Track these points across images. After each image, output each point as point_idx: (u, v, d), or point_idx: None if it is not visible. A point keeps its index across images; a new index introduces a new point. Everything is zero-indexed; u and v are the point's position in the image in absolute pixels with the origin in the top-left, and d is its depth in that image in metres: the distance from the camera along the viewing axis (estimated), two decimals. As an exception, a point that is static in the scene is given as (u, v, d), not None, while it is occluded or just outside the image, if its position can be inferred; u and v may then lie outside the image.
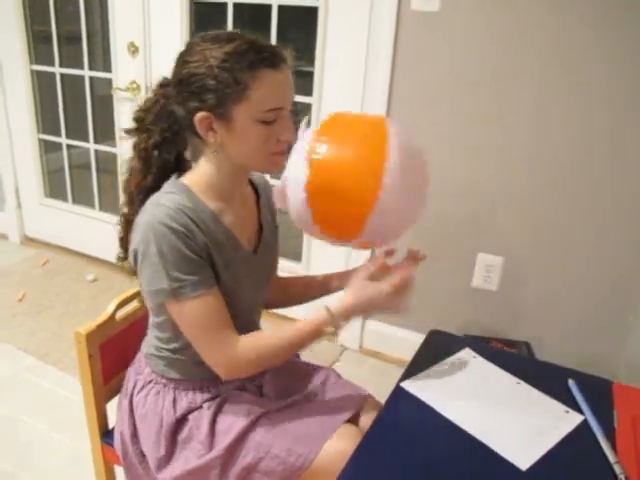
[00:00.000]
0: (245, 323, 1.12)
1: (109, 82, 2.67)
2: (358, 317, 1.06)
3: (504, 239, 2.05)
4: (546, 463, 0.95)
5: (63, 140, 3.01)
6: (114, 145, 2.82)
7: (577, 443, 1.01)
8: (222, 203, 1.08)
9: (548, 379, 1.19)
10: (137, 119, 1.10)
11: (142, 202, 1.05)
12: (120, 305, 1.28)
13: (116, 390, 1.32)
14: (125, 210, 1.12)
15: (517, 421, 1.05)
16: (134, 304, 1.34)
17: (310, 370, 1.29)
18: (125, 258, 1.12)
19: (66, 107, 2.94)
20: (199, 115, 0.98)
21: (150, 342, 1.19)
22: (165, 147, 1.09)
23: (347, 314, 1.04)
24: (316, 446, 1.05)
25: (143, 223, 1.00)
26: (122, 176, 1.13)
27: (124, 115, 2.70)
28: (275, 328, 1.06)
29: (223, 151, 1.03)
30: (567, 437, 1.02)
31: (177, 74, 1.00)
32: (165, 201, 1.00)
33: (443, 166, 2.05)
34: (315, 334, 1.04)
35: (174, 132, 1.09)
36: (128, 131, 1.11)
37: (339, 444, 1.03)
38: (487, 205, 2.03)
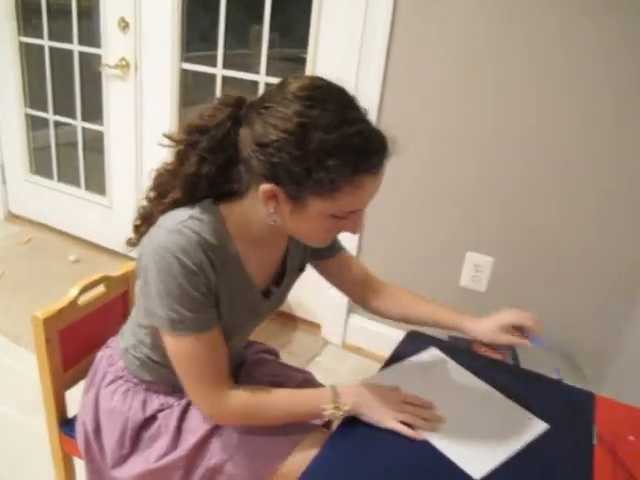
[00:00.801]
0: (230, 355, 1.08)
1: (99, 58, 2.59)
2: (365, 413, 0.98)
3: (495, 238, 1.99)
4: (502, 473, 0.91)
5: (50, 116, 2.93)
6: (102, 123, 2.75)
7: (537, 452, 0.97)
8: (251, 247, 0.99)
9: (522, 386, 1.15)
10: (189, 132, 0.93)
11: (168, 208, 0.95)
12: (84, 289, 1.21)
13: (78, 378, 1.27)
14: (148, 203, 1.00)
15: (476, 427, 1.01)
16: (100, 289, 1.28)
17: (288, 372, 1.24)
18: (135, 244, 1.01)
19: (54, 83, 2.86)
20: (267, 187, 0.86)
21: (128, 337, 1.12)
22: (218, 180, 0.95)
23: (352, 400, 0.97)
24: (285, 451, 1.00)
25: (156, 242, 0.89)
26: (154, 172, 0.99)
27: (113, 93, 2.63)
28: (274, 391, 1.00)
29: (279, 219, 0.91)
30: (528, 446, 0.98)
31: (262, 132, 0.84)
32: (187, 230, 0.89)
33: (434, 160, 2.00)
34: (313, 411, 0.98)
35: (233, 163, 0.93)
36: (174, 140, 0.95)
37: (309, 449, 0.98)
38: (478, 202, 1.97)
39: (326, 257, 1.18)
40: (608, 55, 1.66)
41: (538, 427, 1.03)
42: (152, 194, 1.00)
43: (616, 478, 0.93)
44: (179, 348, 0.93)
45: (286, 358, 1.37)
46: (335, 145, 0.81)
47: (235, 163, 0.92)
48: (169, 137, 0.96)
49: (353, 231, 0.94)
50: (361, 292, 1.24)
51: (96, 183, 2.93)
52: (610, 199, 1.80)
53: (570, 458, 0.97)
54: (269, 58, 2.24)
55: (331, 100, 0.83)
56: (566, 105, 1.76)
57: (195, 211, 0.93)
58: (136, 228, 1.03)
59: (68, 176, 3.03)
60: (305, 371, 1.26)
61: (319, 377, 1.27)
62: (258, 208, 0.92)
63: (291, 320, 2.49)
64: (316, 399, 0.99)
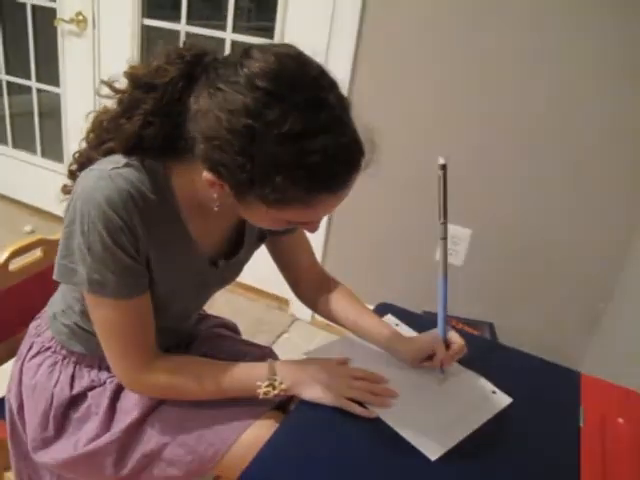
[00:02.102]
0: (171, 331, 0.97)
1: (55, 13, 2.39)
2: (305, 392, 0.88)
3: (474, 210, 1.89)
4: (459, 452, 0.83)
5: (3, 77, 2.74)
6: (58, 85, 2.56)
7: (519, 435, 0.89)
8: (198, 210, 0.85)
9: (500, 362, 1.08)
10: (133, 84, 0.78)
11: (105, 155, 0.82)
12: (16, 253, 1.08)
13: (12, 353, 1.13)
14: (87, 147, 0.86)
15: (433, 402, 0.93)
16: (36, 254, 1.14)
17: (243, 348, 1.12)
18: (69, 192, 0.87)
19: (6, 40, 2.66)
20: (209, 176, 0.73)
21: (58, 302, 1.00)
22: (165, 142, 0.80)
23: (291, 377, 0.88)
24: (232, 435, 0.89)
25: (82, 188, 0.76)
26: (93, 114, 0.85)
27: (69, 51, 2.44)
28: (204, 364, 0.91)
29: (224, 204, 0.79)
30: (507, 427, 0.90)
31: (205, 123, 0.70)
32: (119, 178, 0.75)
33: (410, 125, 1.88)
34: (245, 388, 0.88)
35: (185, 123, 0.75)
36: (115, 90, 0.81)
37: (259, 433, 0.87)
38: (456, 171, 1.84)
39: (279, 234, 1.05)
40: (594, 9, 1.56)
41: (501, 402, 0.94)
42: (92, 137, 0.85)
43: (605, 464, 0.84)
44: (99, 311, 0.82)
45: (252, 335, 1.26)
46: (287, 162, 0.67)
47: (187, 123, 0.76)
48: (109, 86, 0.81)
49: (309, 231, 0.83)
50: (302, 281, 1.12)
51: (54, 150, 2.76)
52: (599, 180, 1.71)
53: (555, 442, 0.88)
54: (242, 29, 2.12)
55: (297, 97, 0.67)
56: (551, 71, 1.66)
57: (135, 158, 0.79)
58: (71, 174, 0.88)
59: (24, 142, 2.85)
60: (265, 347, 1.15)
61: (286, 355, 1.15)
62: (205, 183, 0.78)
63: (258, 295, 2.39)
64: (249, 375, 0.88)
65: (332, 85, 0.72)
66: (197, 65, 0.75)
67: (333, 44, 1.88)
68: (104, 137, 0.83)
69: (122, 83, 0.81)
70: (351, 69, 1.88)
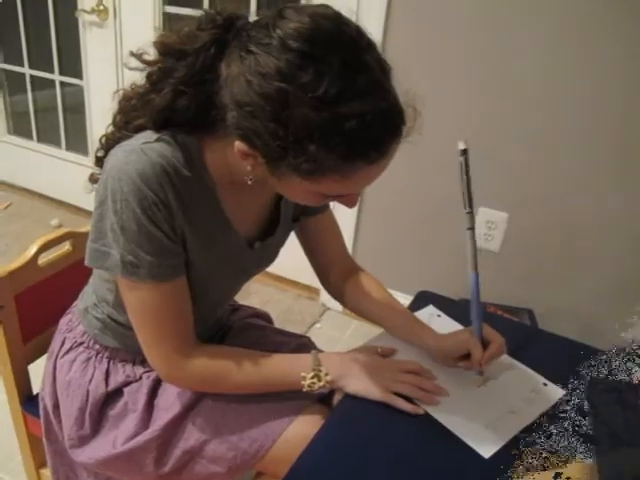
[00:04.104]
0: (205, 322, 0.93)
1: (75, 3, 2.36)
2: (350, 384, 0.85)
3: (510, 193, 1.82)
4: (513, 448, 0.78)
5: (26, 70, 2.72)
6: (81, 78, 2.53)
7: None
8: (231, 188, 0.82)
9: (546, 351, 1.03)
10: (163, 53, 0.74)
11: (135, 132, 0.78)
12: (44, 247, 1.05)
13: (43, 350, 1.12)
14: (114, 129, 0.82)
15: (486, 398, 0.88)
16: (65, 247, 1.12)
17: (281, 339, 1.09)
18: (97, 180, 0.83)
19: (28, 33, 2.64)
20: (241, 146, 0.69)
21: (89, 295, 0.97)
22: (198, 113, 0.75)
23: (336, 369, 0.85)
24: (276, 430, 0.86)
25: (111, 165, 0.73)
26: (120, 92, 0.81)
27: (91, 42, 2.41)
28: (245, 354, 0.87)
29: (257, 177, 0.75)
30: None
31: (237, 88, 0.66)
32: (151, 151, 0.72)
33: (446, 94, 1.80)
34: (289, 380, 0.85)
35: (217, 93, 0.72)
36: (144, 62, 0.76)
37: (303, 428, 0.84)
38: (491, 152, 1.78)
39: (310, 214, 1.01)
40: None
41: (553, 394, 0.89)
42: (119, 118, 0.81)
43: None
44: (133, 296, 0.78)
45: (283, 325, 1.22)
46: (321, 128, 0.63)
47: (219, 91, 0.73)
48: (139, 57, 0.77)
49: (347, 206, 0.78)
50: (330, 268, 1.07)
51: (78, 143, 2.75)
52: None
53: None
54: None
55: (333, 58, 0.63)
56: (599, 56, 1.57)
57: (166, 133, 0.75)
58: (98, 160, 0.84)
59: (48, 136, 2.84)
60: (301, 336, 1.11)
61: (320, 345, 1.11)
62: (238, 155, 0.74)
63: (287, 284, 2.35)
64: (293, 366, 0.85)
65: (371, 46, 0.68)
66: (229, 29, 0.71)
67: (363, 5, 1.79)
68: (132, 115, 0.79)
69: (151, 56, 0.76)
70: (383, 31, 1.79)
